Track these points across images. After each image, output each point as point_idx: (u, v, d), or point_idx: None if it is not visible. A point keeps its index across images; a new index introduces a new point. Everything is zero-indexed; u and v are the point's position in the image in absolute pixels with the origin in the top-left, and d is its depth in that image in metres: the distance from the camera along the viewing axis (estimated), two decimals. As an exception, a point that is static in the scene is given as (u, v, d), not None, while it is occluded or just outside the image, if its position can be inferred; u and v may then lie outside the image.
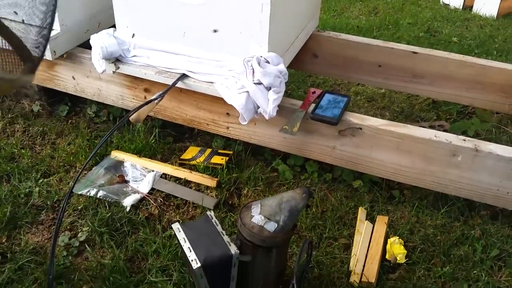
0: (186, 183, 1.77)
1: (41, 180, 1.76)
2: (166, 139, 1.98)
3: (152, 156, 1.88)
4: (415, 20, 3.51)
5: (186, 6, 1.56)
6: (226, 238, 1.24)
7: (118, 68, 1.71)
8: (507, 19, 3.58)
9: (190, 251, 1.20)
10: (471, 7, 3.72)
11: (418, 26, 3.40)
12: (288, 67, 2.12)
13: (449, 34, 3.28)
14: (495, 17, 3.59)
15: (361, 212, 1.65)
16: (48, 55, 1.77)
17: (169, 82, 1.63)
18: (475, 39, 3.19)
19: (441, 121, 2.23)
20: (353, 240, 1.57)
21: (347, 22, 3.40)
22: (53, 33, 1.75)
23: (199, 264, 1.16)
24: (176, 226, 1.27)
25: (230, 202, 1.70)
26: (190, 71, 1.64)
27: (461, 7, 3.77)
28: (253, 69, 1.51)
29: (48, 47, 1.71)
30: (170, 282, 1.41)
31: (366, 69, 2.12)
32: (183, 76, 1.64)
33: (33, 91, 2.16)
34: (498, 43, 3.15)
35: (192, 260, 1.17)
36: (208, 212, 1.32)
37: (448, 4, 3.86)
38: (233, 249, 1.21)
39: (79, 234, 1.55)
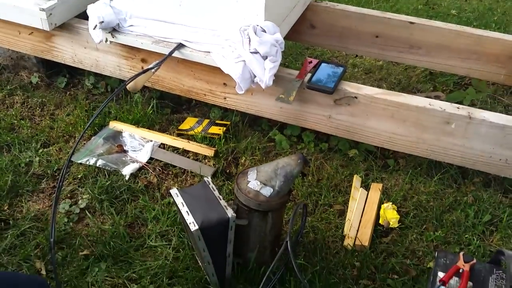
0: (184, 152, 1.79)
1: (41, 150, 1.78)
2: (164, 110, 2.00)
3: (150, 127, 1.90)
4: (414, -7, 3.48)
5: (182, -25, 1.55)
6: (223, 202, 1.27)
7: (115, 37, 1.71)
8: (506, -9, 3.55)
9: (188, 214, 1.23)
10: (471, -21, 3.68)
11: (417, -1, 3.38)
12: (286, 39, 2.12)
13: (448, 7, 3.26)
14: (495, -11, 3.56)
15: (356, 180, 1.68)
16: (45, 26, 1.77)
17: (166, 51, 1.64)
18: (474, 12, 3.17)
19: (437, 92, 2.24)
20: (347, 207, 1.60)
21: (345, -6, 3.37)
22: (50, 3, 1.75)
23: (197, 227, 1.19)
24: (174, 191, 1.30)
25: (227, 171, 1.73)
26: (187, 41, 1.64)
27: (461, -21, 3.73)
28: (249, 38, 1.52)
29: (45, 17, 1.73)
30: (169, 246, 1.45)
31: (363, 40, 2.12)
32: (180, 46, 1.65)
33: (32, 63, 2.16)
34: (497, 15, 3.13)
35: (190, 223, 1.20)
36: (205, 178, 1.35)
37: (448, -24, 3.82)
38: (230, 212, 1.24)
39: (80, 202, 1.58)
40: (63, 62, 2.00)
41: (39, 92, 2.09)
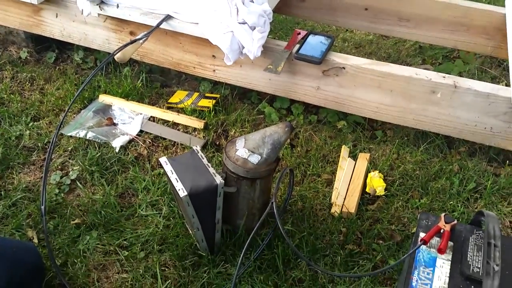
0: (174, 125, 1.80)
1: (31, 124, 1.79)
2: (154, 84, 2.00)
3: (139, 100, 1.91)
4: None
5: None
6: (211, 169, 1.29)
7: (103, 10, 1.71)
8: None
9: (177, 181, 1.25)
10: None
11: (408, -26, 3.36)
12: (276, 12, 2.13)
13: (439, -18, 3.25)
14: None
15: (344, 150, 1.70)
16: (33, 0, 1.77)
17: (154, 23, 1.64)
18: (464, -13, 3.17)
19: (426, 65, 2.26)
20: (335, 176, 1.63)
21: (336, -30, 3.36)
22: (36, -25, 1.74)
23: (186, 193, 1.21)
24: (163, 160, 1.32)
25: (217, 143, 1.75)
26: (175, 12, 1.64)
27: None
28: (237, 8, 1.52)
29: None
30: (160, 215, 1.47)
31: (353, 13, 2.12)
32: (168, 17, 1.65)
33: (20, 38, 2.15)
34: (488, -10, 3.14)
35: (179, 190, 1.22)
36: (194, 147, 1.36)
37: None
38: (218, 179, 1.26)
39: (70, 173, 1.59)
40: (51, 37, 2.00)
41: (29, 67, 2.08)
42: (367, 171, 1.63)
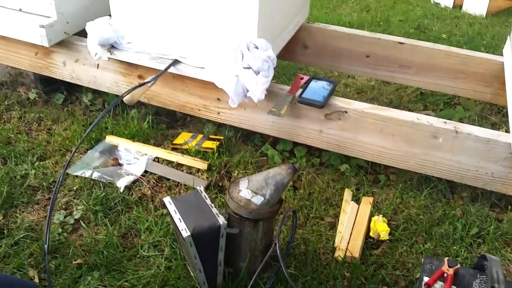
0: (178, 166, 1.82)
1: (37, 163, 1.81)
2: (159, 125, 2.04)
3: (145, 141, 1.94)
4: (406, 18, 3.59)
5: (178, -6, 1.62)
6: (214, 210, 1.30)
7: (113, 54, 1.76)
8: (496, 17, 3.66)
9: (181, 221, 1.25)
10: (461, 5, 3.80)
11: (408, 23, 3.48)
12: (279, 59, 2.18)
13: (438, 31, 3.36)
14: (484, 15, 3.67)
15: (347, 193, 1.71)
16: (44, 42, 1.83)
17: (162, 67, 1.69)
18: (463, 36, 3.27)
19: (428, 111, 2.30)
20: (338, 219, 1.63)
21: (339, 18, 3.48)
22: (49, 20, 1.81)
23: (188, 233, 1.21)
24: (167, 200, 1.33)
25: (220, 184, 1.76)
26: (182, 57, 1.70)
27: (451, 5, 3.85)
28: (242, 54, 1.57)
29: (44, 33, 1.78)
30: (162, 256, 1.46)
31: (355, 59, 2.18)
32: (176, 62, 1.70)
33: (30, 80, 2.21)
34: (486, 40, 3.22)
35: (182, 230, 1.23)
36: (197, 187, 1.38)
37: (439, 3, 3.94)
38: (221, 220, 1.27)
39: (74, 212, 1.60)
40: (61, 79, 2.05)
41: (37, 108, 2.13)
42: (371, 215, 1.63)
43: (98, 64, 1.91)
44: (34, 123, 2.04)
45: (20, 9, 1.88)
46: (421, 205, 1.70)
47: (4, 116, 2.07)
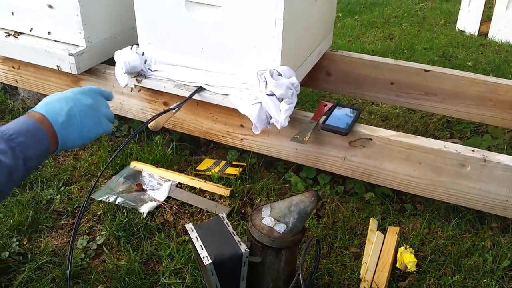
0: (201, 192, 1.82)
1: (62, 188, 1.83)
2: (183, 151, 2.05)
3: (169, 167, 1.95)
4: (430, 45, 3.57)
5: (204, 24, 1.65)
6: (236, 237, 1.28)
7: (140, 82, 1.80)
8: (523, 44, 3.61)
9: (202, 249, 1.24)
10: (487, 33, 3.77)
11: (433, 51, 3.46)
12: (303, 86, 2.20)
13: (464, 59, 3.33)
14: (511, 43, 3.63)
15: (372, 223, 1.67)
16: (74, 70, 1.88)
17: (187, 94, 1.71)
18: (490, 64, 3.23)
19: (454, 139, 2.25)
20: (363, 250, 1.59)
21: (362, 46, 3.49)
22: (78, 49, 1.87)
23: (210, 261, 1.20)
24: (189, 226, 1.32)
25: (242, 211, 1.75)
26: (207, 84, 1.72)
27: (476, 33, 3.82)
28: (266, 81, 1.58)
29: (74, 62, 1.83)
30: (183, 284, 1.44)
31: (379, 87, 2.17)
32: (200, 89, 1.72)
33: (59, 107, 2.26)
34: (513, 67, 3.18)
35: (203, 257, 1.21)
36: (219, 214, 1.37)
37: (464, 31, 3.91)
38: (243, 248, 1.25)
39: (97, 238, 1.61)
40: (89, 105, 2.09)
41: (65, 134, 2.17)
42: (397, 246, 1.58)
43: (122, 91, 1.94)
44: (61, 148, 2.08)
45: (48, 32, 1.94)
46: (449, 236, 1.65)
47: (32, 142, 2.12)
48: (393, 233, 1.63)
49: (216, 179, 1.85)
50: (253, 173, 1.91)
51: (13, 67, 2.15)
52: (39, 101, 1.01)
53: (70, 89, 1.07)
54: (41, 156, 0.93)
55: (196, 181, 1.84)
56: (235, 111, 1.66)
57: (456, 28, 4.00)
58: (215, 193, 1.80)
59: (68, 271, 1.24)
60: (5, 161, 0.84)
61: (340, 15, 4.37)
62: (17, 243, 1.57)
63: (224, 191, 1.79)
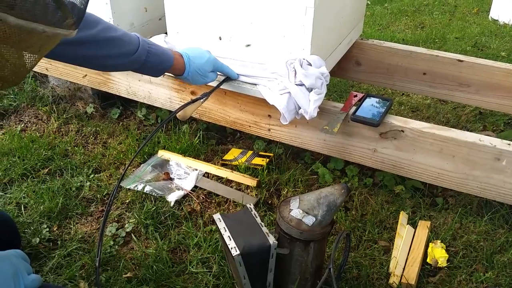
0: (228, 182, 1.82)
1: (92, 176, 1.86)
2: (210, 141, 2.05)
3: (196, 156, 1.95)
4: (462, 35, 3.47)
5: (232, 12, 1.63)
6: (264, 229, 1.27)
7: (167, 70, 1.79)
8: (560, 33, 3.47)
9: (230, 239, 1.23)
10: (522, 22, 3.64)
11: (465, 41, 3.36)
12: (332, 76, 2.15)
13: (497, 49, 3.22)
14: (548, 32, 3.49)
15: (403, 217, 1.64)
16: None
17: (215, 84, 1.69)
18: (525, 54, 3.12)
19: (488, 131, 2.18)
20: (393, 244, 1.56)
21: (392, 35, 3.41)
22: (108, 38, 1.87)
23: (238, 252, 1.19)
24: (217, 216, 1.32)
25: (269, 202, 1.74)
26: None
27: (510, 22, 3.69)
28: (295, 70, 1.55)
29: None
30: (210, 273, 1.45)
31: (411, 77, 2.12)
32: (228, 78, 1.70)
33: (88, 95, 2.29)
34: (551, 57, 3.06)
35: (231, 248, 1.21)
36: (247, 205, 1.36)
37: (497, 20, 3.79)
38: (272, 239, 1.24)
39: (126, 225, 1.62)
40: (118, 94, 2.11)
41: (94, 122, 2.20)
42: (428, 240, 1.55)
43: (150, 80, 1.94)
44: (91, 136, 2.10)
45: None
46: (481, 231, 1.60)
47: (62, 129, 2.15)
48: (424, 227, 1.60)
49: (243, 169, 1.84)
50: (280, 164, 1.89)
51: (44, 56, 2.18)
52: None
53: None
54: None
55: (223, 171, 1.83)
56: (263, 101, 1.64)
57: (489, 17, 3.87)
58: (242, 183, 1.79)
59: (97, 259, 1.25)
60: None
61: (369, 2, 4.28)
62: (47, 229, 1.60)
63: (251, 181, 1.78)
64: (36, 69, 2.27)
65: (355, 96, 1.73)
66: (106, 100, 2.29)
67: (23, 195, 1.74)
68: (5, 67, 0.66)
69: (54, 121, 2.18)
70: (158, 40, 1.78)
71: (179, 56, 1.48)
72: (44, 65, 2.22)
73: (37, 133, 2.12)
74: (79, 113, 2.25)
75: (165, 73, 1.48)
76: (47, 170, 1.87)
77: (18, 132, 2.10)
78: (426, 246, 1.53)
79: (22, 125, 2.19)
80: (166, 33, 1.83)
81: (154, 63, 1.38)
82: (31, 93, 2.39)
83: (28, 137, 2.05)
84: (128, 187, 1.77)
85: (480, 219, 1.64)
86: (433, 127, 1.56)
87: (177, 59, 1.46)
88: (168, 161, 1.90)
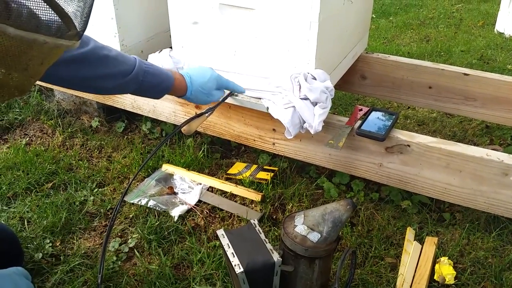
0: (232, 196, 1.80)
1: (96, 190, 1.85)
2: (214, 155, 2.04)
3: (200, 170, 1.94)
4: (468, 48, 3.46)
5: (237, 26, 1.63)
6: (269, 245, 1.26)
7: (172, 84, 1.79)
8: None
9: (234, 256, 1.22)
10: (528, 35, 3.62)
11: (471, 54, 3.35)
12: (336, 89, 2.15)
13: (503, 62, 3.21)
14: (554, 44, 3.48)
15: (409, 232, 1.61)
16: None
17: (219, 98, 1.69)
18: (532, 67, 3.10)
19: (494, 146, 2.16)
20: (400, 260, 1.53)
21: (397, 48, 3.40)
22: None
23: (242, 269, 1.18)
24: (220, 232, 1.30)
25: (274, 216, 1.72)
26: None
27: (517, 35, 3.68)
28: (300, 84, 1.55)
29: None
30: (213, 290, 1.43)
31: (416, 90, 2.10)
32: (232, 93, 1.70)
33: (93, 108, 2.29)
34: (558, 70, 3.04)
35: (235, 265, 1.19)
36: (251, 220, 1.34)
37: (503, 33, 3.78)
38: (276, 256, 1.22)
39: (129, 241, 1.60)
40: (123, 108, 2.11)
41: (98, 136, 2.20)
42: (435, 257, 1.52)
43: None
44: (95, 150, 2.10)
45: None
46: (489, 247, 1.58)
47: (67, 143, 2.15)
48: (431, 243, 1.57)
49: (247, 183, 1.83)
50: (285, 178, 1.88)
51: (50, 70, 2.19)
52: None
53: None
54: None
55: (227, 185, 1.82)
56: (268, 115, 1.63)
57: (495, 30, 3.86)
58: (246, 198, 1.78)
59: (100, 275, 1.24)
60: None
61: (374, 16, 4.29)
62: (50, 244, 1.59)
63: (255, 196, 1.76)
64: (41, 82, 2.28)
65: (360, 110, 1.72)
66: (111, 114, 2.29)
67: (27, 210, 1.73)
68: (9, 80, 0.65)
69: (59, 135, 2.18)
70: (163, 54, 1.78)
71: (180, 76, 1.44)
72: (50, 79, 2.22)
73: (41, 147, 2.12)
74: (84, 127, 2.25)
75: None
76: (51, 184, 1.87)
77: (23, 146, 2.10)
78: (434, 263, 1.50)
79: (27, 139, 2.19)
80: (171, 47, 1.83)
81: (153, 83, 1.34)
82: (36, 107, 2.40)
83: (33, 151, 2.06)
84: (132, 201, 1.76)
85: (488, 235, 1.62)
86: (439, 142, 1.54)
87: (178, 79, 1.42)
88: (172, 175, 1.90)
